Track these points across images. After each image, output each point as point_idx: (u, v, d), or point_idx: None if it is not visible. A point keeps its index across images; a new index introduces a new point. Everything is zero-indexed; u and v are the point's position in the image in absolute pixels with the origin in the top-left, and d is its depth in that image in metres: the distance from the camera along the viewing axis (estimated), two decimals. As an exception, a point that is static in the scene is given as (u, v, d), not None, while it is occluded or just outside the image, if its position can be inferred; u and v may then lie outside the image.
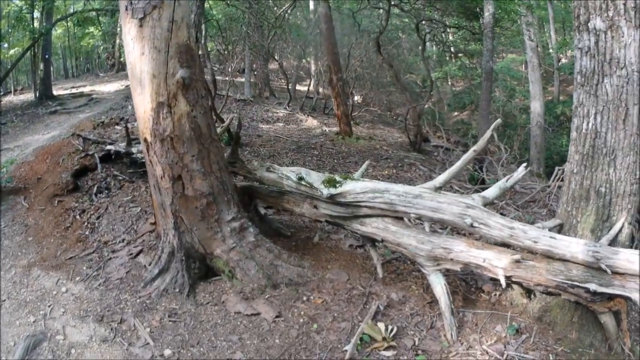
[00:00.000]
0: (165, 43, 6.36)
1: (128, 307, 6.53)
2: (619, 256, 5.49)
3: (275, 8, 24.62)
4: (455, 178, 12.59)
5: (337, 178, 6.90)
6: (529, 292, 6.66)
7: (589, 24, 5.98)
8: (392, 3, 19.35)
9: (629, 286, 5.45)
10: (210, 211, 6.85)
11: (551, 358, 5.99)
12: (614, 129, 5.89)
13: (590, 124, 6.07)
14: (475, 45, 28.50)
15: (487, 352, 5.96)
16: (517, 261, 5.81)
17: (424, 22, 21.89)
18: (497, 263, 5.88)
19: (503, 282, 5.83)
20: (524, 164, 6.84)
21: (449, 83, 39.24)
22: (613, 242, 5.99)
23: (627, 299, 5.62)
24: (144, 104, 6.57)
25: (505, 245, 6.15)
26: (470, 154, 6.59)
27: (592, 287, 5.51)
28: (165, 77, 6.42)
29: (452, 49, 32.13)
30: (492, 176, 13.17)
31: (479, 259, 6.02)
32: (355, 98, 28.33)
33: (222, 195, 6.98)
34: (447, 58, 35.60)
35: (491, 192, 6.56)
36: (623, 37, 5.74)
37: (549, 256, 5.82)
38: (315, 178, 7.05)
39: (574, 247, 5.64)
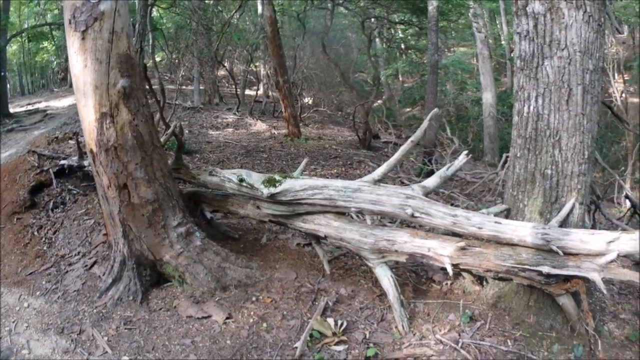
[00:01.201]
0: (106, 54, 6.32)
1: (86, 317, 6.50)
2: (570, 237, 5.48)
3: (223, 13, 24.51)
4: (405, 173, 12.58)
5: (277, 177, 6.89)
6: (480, 279, 6.69)
7: (527, 8, 5.99)
8: (337, 2, 19.30)
9: (585, 266, 5.45)
10: (156, 218, 6.79)
11: (509, 343, 5.95)
12: (557, 110, 5.89)
13: (531, 107, 6.07)
14: (425, 41, 28.60)
15: (442, 341, 5.92)
16: (463, 248, 5.79)
17: (369, 19, 21.85)
18: (442, 251, 5.86)
19: (450, 270, 5.82)
20: (465, 152, 6.78)
21: (400, 79, 39.31)
22: (564, 223, 5.98)
23: (585, 279, 5.64)
24: (88, 116, 6.53)
25: (458, 235, 6.10)
26: (407, 144, 6.58)
27: (545, 269, 5.49)
28: (107, 87, 6.39)
29: (402, 45, 32.21)
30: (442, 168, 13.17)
31: (423, 248, 6.00)
32: (306, 99, 28.44)
33: (167, 202, 6.93)
34: (397, 55, 35.79)
35: (431, 181, 6.53)
36: (564, 18, 5.74)
37: (496, 242, 5.81)
38: (256, 179, 7.00)
39: (521, 230, 5.64)
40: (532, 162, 6.12)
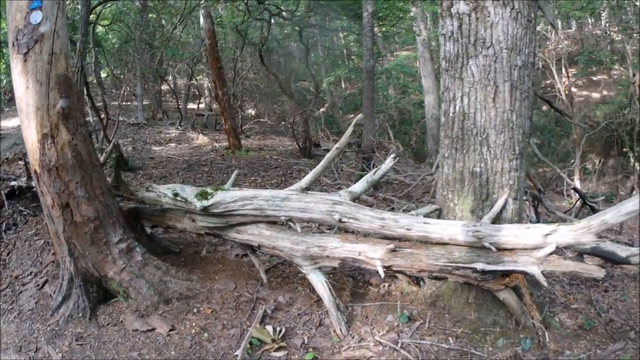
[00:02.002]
0: (46, 75, 6.32)
1: (41, 335, 6.52)
2: (503, 232, 5.57)
3: (166, 27, 24.46)
4: (344, 179, 12.63)
5: (209, 190, 6.93)
6: (417, 279, 6.77)
7: (452, 9, 6.05)
8: (273, 13, 19.39)
9: (522, 260, 5.52)
10: (98, 235, 6.78)
11: (451, 341, 6.01)
12: (483, 108, 5.96)
13: (457, 107, 6.15)
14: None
15: (381, 343, 5.98)
16: (393, 250, 5.85)
17: (306, 29, 21.86)
18: (372, 255, 5.92)
19: (381, 272, 5.87)
20: (393, 155, 6.96)
21: (343, 86, 39.28)
22: (498, 219, 6.07)
23: (524, 273, 5.68)
24: (31, 137, 6.53)
25: (399, 239, 6.14)
26: (333, 152, 6.69)
27: (480, 266, 5.57)
28: (47, 108, 6.38)
29: (345, 52, 32.22)
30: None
31: (354, 252, 6.06)
32: (249, 111, 28.42)
33: (107, 219, 6.92)
34: (340, 61, 35.92)
35: (358, 186, 6.65)
36: (489, 16, 5.81)
37: (427, 242, 5.89)
38: (189, 192, 7.04)
39: (452, 229, 5.73)
40: (460, 161, 6.19)
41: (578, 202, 10.86)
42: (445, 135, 6.36)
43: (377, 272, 6.07)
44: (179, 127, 23.32)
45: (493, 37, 5.77)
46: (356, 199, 6.45)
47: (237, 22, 21.16)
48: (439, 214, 6.52)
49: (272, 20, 21.46)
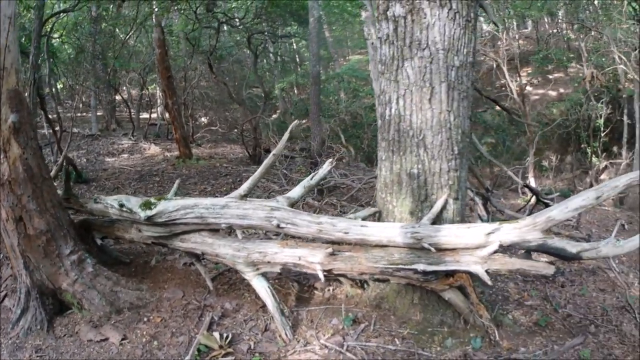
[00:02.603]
0: None
1: (3, 348, 6.52)
2: (442, 233, 5.62)
3: (121, 36, 24.37)
4: (292, 185, 12.69)
5: (152, 200, 6.95)
6: (362, 282, 6.85)
7: (388, 12, 6.08)
8: (222, 21, 19.37)
9: (465, 260, 5.57)
10: (51, 247, 6.78)
11: (397, 342, 6.07)
12: (419, 110, 6.00)
13: (393, 110, 6.19)
14: (322, 51, 28.69)
15: (326, 346, 6.04)
16: (332, 254, 5.89)
17: (255, 35, 21.77)
18: (312, 259, 5.95)
19: (321, 276, 5.92)
20: (330, 160, 6.90)
21: (296, 92, 39.07)
22: (439, 220, 6.13)
23: (468, 272, 5.73)
24: None
25: (337, 243, 6.20)
26: (270, 158, 6.80)
27: (420, 267, 5.60)
28: None
29: (297, 58, 32.11)
30: (332, 177, 13.50)
31: (294, 257, 6.09)
32: (202, 119, 28.39)
33: (59, 231, 6.92)
34: (292, 67, 35.95)
35: (296, 191, 6.73)
36: (425, 18, 5.84)
37: (365, 244, 5.92)
38: (134, 203, 7.05)
39: (390, 231, 5.76)
40: (397, 163, 6.23)
41: (533, 200, 10.81)
42: (382, 138, 6.41)
43: (334, 277, 6.26)
44: (132, 138, 23.23)
45: (429, 39, 5.81)
46: (294, 204, 6.52)
47: (188, 30, 21.22)
48: (379, 216, 6.60)
49: (225, 28, 21.44)
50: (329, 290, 7.14)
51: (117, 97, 27.39)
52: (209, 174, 16.06)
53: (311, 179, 6.77)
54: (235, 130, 24.88)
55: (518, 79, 26.06)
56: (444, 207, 6.10)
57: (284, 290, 7.02)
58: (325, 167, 6.74)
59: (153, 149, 21.16)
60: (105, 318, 6.68)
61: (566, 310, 7.42)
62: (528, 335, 6.50)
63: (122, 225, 7.62)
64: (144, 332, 6.44)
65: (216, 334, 6.21)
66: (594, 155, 23.80)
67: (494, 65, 23.65)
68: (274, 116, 30.40)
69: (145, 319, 6.70)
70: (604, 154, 23.79)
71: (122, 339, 6.34)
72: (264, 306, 6.67)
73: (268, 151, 19.32)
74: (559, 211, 5.49)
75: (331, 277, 6.22)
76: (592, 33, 21.38)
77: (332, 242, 6.11)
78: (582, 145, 24.39)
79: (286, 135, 6.68)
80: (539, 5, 22.36)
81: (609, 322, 7.33)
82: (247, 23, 21.51)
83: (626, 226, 13.27)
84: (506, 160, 24.41)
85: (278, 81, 32.73)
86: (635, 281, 9.06)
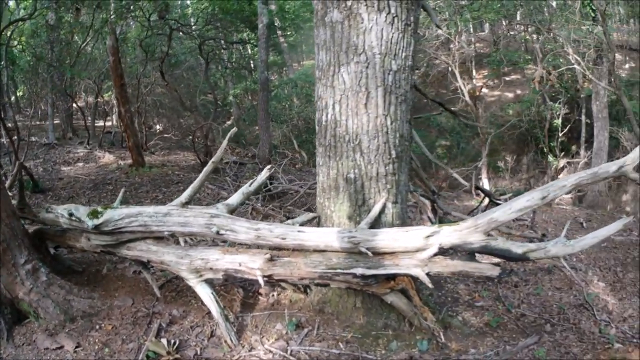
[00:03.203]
0: None
1: None
2: (380, 236, 5.66)
3: (79, 43, 24.09)
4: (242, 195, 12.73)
5: (99, 209, 6.96)
6: (305, 287, 6.86)
7: (325, 18, 6.12)
8: (173, 28, 19.36)
9: (404, 263, 5.60)
10: (6, 257, 6.81)
11: (341, 346, 6.10)
12: (355, 115, 6.03)
13: (329, 115, 6.23)
14: (273, 57, 29.10)
15: (271, 351, 6.08)
16: (271, 259, 5.93)
17: (206, 42, 21.68)
18: (252, 265, 5.99)
19: (262, 282, 5.97)
20: (269, 166, 6.92)
21: (250, 98, 38.69)
22: (377, 224, 6.16)
23: (408, 276, 5.77)
24: None
25: (277, 248, 6.25)
26: (209, 166, 6.84)
27: (359, 271, 5.64)
28: None
29: (252, 64, 31.94)
30: (280, 183, 13.63)
31: (235, 263, 6.13)
32: (157, 126, 28.18)
33: (14, 241, 6.94)
34: (247, 73, 35.12)
35: (235, 198, 6.77)
36: (362, 23, 5.86)
37: (303, 250, 5.97)
38: (83, 212, 7.08)
39: (327, 236, 5.81)
40: (333, 168, 6.28)
41: (486, 201, 10.77)
42: (319, 144, 6.47)
43: (268, 281, 6.19)
44: (87, 146, 22.79)
45: (366, 43, 5.85)
46: (233, 211, 6.57)
47: (141, 37, 21.25)
48: (318, 221, 6.66)
49: (180, 34, 21.36)
50: (273, 295, 7.20)
51: (74, 105, 27.21)
52: (161, 181, 16.14)
53: (250, 185, 6.82)
54: (189, 137, 24.81)
55: (474, 81, 26.58)
56: (382, 211, 6.15)
57: (229, 296, 7.09)
58: (264, 174, 6.82)
59: (107, 158, 21.01)
60: (60, 326, 6.68)
61: (520, 310, 7.44)
62: (478, 337, 6.55)
63: (72, 234, 7.61)
64: (97, 340, 6.46)
65: (164, 341, 6.26)
66: (551, 155, 24.00)
67: (450, 69, 23.53)
68: (228, 122, 30.43)
69: (97, 327, 6.72)
70: (563, 153, 24.02)
71: (76, 347, 6.36)
72: (209, 312, 6.70)
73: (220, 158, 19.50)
74: (502, 212, 5.51)
75: (272, 282, 6.26)
76: (549, 34, 21.20)
77: (272, 248, 6.19)
78: (540, 146, 24.63)
79: (224, 143, 6.76)
80: (495, 8, 22.23)
81: (566, 320, 7.34)
82: (198, 30, 21.73)
83: (584, 224, 13.22)
84: (461, 161, 24.78)
85: (232, 88, 32.64)
86: (594, 278, 9.00)
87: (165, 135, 27.82)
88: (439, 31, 20.91)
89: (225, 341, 6.25)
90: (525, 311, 7.46)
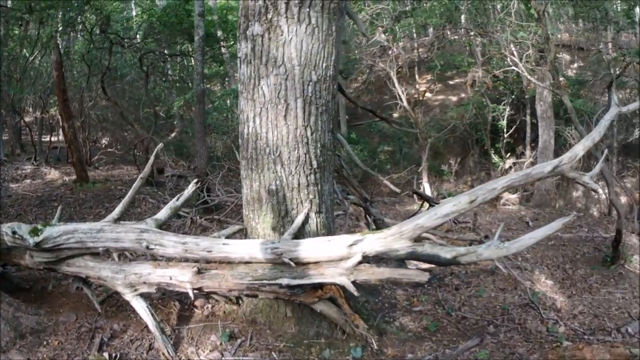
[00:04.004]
0: None
1: None
2: (302, 247, 5.67)
3: (26, 57, 23.69)
4: (183, 205, 12.72)
5: (39, 226, 6.96)
6: (237, 298, 6.89)
7: (247, 32, 6.13)
8: (114, 42, 19.35)
9: (329, 272, 5.61)
10: (-43, 275, 6.92)
11: (274, 355, 6.12)
12: (275, 127, 6.06)
13: (250, 128, 6.26)
14: (215, 69, 29.60)
15: None
16: (199, 272, 5.97)
17: (147, 55, 21.55)
18: (182, 278, 6.01)
19: (191, 294, 6.02)
20: (195, 180, 6.94)
21: (192, 110, 38.11)
22: (301, 234, 6.21)
23: (334, 284, 5.77)
24: None
25: (205, 261, 6.24)
26: (138, 182, 6.85)
27: (284, 281, 5.68)
28: None
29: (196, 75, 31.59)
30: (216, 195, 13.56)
31: (166, 277, 6.15)
32: (103, 141, 27.88)
33: (-37, 260, 7.03)
34: (191, 84, 34.34)
35: (163, 213, 6.79)
36: (282, 35, 5.89)
37: (229, 262, 5.99)
38: (25, 229, 7.10)
39: (251, 248, 5.82)
40: (256, 180, 6.32)
41: (426, 205, 10.74)
42: (242, 157, 6.52)
43: (205, 294, 6.36)
44: (34, 163, 22.09)
45: (285, 56, 5.88)
46: (162, 225, 6.59)
47: (84, 52, 21.18)
48: (245, 233, 6.71)
49: (124, 47, 21.24)
50: (207, 307, 7.21)
51: (22, 121, 26.83)
52: (104, 197, 15.97)
53: (177, 200, 6.83)
54: (135, 150, 24.62)
55: (417, 85, 26.79)
56: (305, 221, 6.21)
57: (166, 309, 7.11)
58: (190, 188, 6.82)
59: (53, 174, 20.55)
60: (11, 343, 6.62)
61: (461, 313, 7.48)
62: (416, 342, 6.60)
63: (17, 252, 7.57)
64: (45, 356, 6.42)
65: (106, 355, 6.27)
66: (497, 156, 24.09)
67: (392, 75, 23.40)
68: (172, 135, 30.39)
69: (45, 343, 6.66)
70: (509, 154, 24.13)
71: (26, 363, 6.62)
72: (148, 326, 6.72)
73: (162, 172, 19.47)
74: (428, 218, 5.54)
75: (203, 294, 6.37)
76: (485, 38, 21.09)
77: (200, 261, 6.16)
78: (485, 148, 24.72)
79: (152, 158, 6.80)
80: (437, 13, 22.05)
81: (510, 320, 7.38)
82: (138, 43, 21.71)
83: (531, 223, 13.20)
84: (404, 166, 24.53)
85: (175, 100, 31.79)
86: (541, 277, 8.95)
87: (109, 149, 27.58)
88: (378, 37, 20.81)
89: (163, 353, 6.28)
90: (467, 314, 7.50)
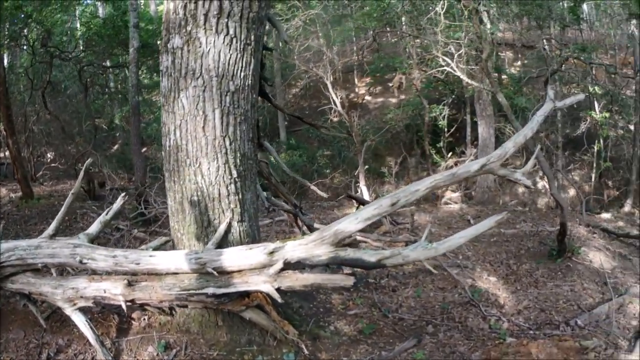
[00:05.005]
0: None
1: None
2: (224, 256, 5.72)
3: None
4: (122, 219, 12.62)
5: None
6: (171, 309, 6.78)
7: (168, 45, 6.17)
8: (54, 55, 19.29)
9: (253, 280, 5.65)
10: None
11: None
12: (194, 138, 6.10)
13: (171, 140, 6.29)
14: (157, 79, 28.27)
15: None
16: (130, 284, 6.00)
17: (86, 67, 21.80)
18: (115, 291, 6.05)
19: (124, 307, 6.06)
20: (123, 194, 7.01)
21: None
22: (225, 244, 6.23)
23: (259, 292, 5.80)
24: None
25: (135, 274, 6.26)
26: (69, 198, 6.91)
27: (210, 291, 5.73)
28: None
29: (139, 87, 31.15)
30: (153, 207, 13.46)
31: (100, 290, 6.17)
32: (48, 155, 27.45)
33: None
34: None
35: (94, 227, 6.84)
36: (200, 47, 5.93)
37: (157, 274, 6.01)
38: None
39: (176, 259, 5.88)
40: (179, 192, 6.36)
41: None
42: (165, 169, 6.54)
43: (140, 306, 6.39)
44: None
45: (203, 67, 5.92)
46: (93, 239, 6.63)
47: (27, 66, 21.07)
48: (172, 244, 6.73)
49: (62, 61, 21.02)
50: (144, 319, 7.18)
51: None
52: (48, 213, 15.49)
53: (106, 214, 6.90)
54: (79, 165, 24.25)
55: (357, 89, 27.54)
56: (228, 231, 6.25)
57: (106, 323, 7.06)
58: (119, 202, 6.91)
59: (1, 191, 19.92)
60: None
61: (398, 315, 7.48)
62: (351, 345, 6.63)
63: None
64: None
65: (52, 370, 6.43)
66: (438, 156, 23.97)
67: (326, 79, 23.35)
68: (115, 147, 29.72)
69: None
70: (451, 153, 23.96)
71: (-18, 381, 6.54)
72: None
73: (103, 185, 19.25)
74: (349, 222, 5.56)
75: (137, 306, 6.39)
76: (422, 39, 21.07)
77: (130, 274, 6.16)
78: (427, 148, 24.43)
79: (82, 174, 6.84)
80: (374, 15, 21.93)
81: (451, 319, 7.39)
82: (77, 56, 21.36)
83: (472, 221, 13.15)
84: (344, 170, 24.82)
85: (116, 112, 31.52)
86: (483, 274, 8.93)
87: (53, 164, 26.87)
88: (311, 42, 20.70)
89: (105, 365, 6.48)
90: (404, 315, 7.50)
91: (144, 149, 18.56)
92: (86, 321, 6.41)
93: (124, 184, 20.13)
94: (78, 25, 26.80)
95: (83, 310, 6.51)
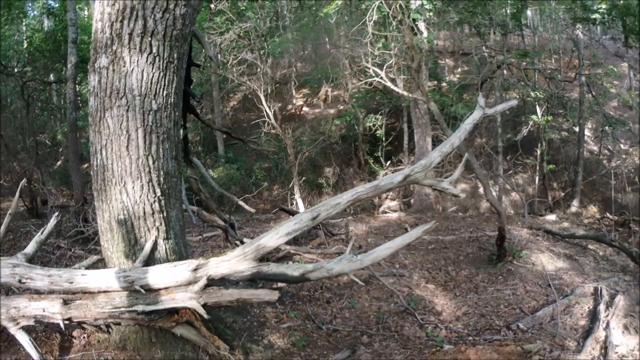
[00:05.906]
0: None
1: None
2: (150, 273, 5.77)
3: None
4: (62, 237, 12.63)
5: None
6: (107, 326, 6.80)
7: (95, 64, 6.16)
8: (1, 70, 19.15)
9: (180, 297, 5.69)
10: None
11: None
12: (119, 158, 6.09)
13: (98, 160, 6.26)
14: None
15: None
16: (66, 303, 5.98)
17: (29, 83, 21.44)
18: (53, 309, 6.02)
19: (62, 325, 6.05)
20: (56, 214, 7.08)
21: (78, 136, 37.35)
22: (152, 261, 6.24)
23: (187, 308, 5.86)
24: None
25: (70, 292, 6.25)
26: (7, 218, 6.89)
27: (139, 308, 5.74)
28: None
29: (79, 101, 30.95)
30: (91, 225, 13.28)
31: (39, 309, 6.12)
32: None
33: None
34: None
35: (30, 247, 6.78)
36: (124, 66, 5.95)
37: (90, 292, 6.02)
38: None
39: (106, 278, 5.90)
40: (106, 211, 6.34)
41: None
42: (94, 188, 6.51)
43: (79, 324, 6.33)
44: None
45: (127, 86, 5.94)
46: (31, 259, 6.58)
47: None
48: (105, 263, 6.70)
49: (6, 77, 20.84)
50: (84, 337, 7.11)
51: None
52: None
53: (41, 233, 6.88)
54: (24, 182, 23.94)
55: (294, 100, 27.88)
56: (154, 248, 6.25)
57: (49, 341, 6.95)
58: (52, 222, 6.93)
59: None
60: None
61: (332, 326, 7.52)
62: (284, 358, 6.68)
63: None
64: None
65: (-1, 390, 6.35)
66: (376, 165, 24.20)
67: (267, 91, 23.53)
68: (58, 163, 29.41)
69: None
70: (389, 162, 24.19)
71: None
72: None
73: (46, 202, 18.96)
74: (270, 237, 5.65)
75: (74, 324, 6.33)
76: (352, 51, 21.37)
77: (66, 292, 6.16)
78: (365, 157, 24.86)
79: (17, 195, 6.84)
80: (310, 27, 22.13)
81: (386, 329, 7.43)
82: (19, 71, 21.21)
83: (409, 229, 13.12)
84: (281, 182, 25.01)
85: (59, 127, 30.94)
86: (421, 281, 9.00)
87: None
88: (245, 55, 20.72)
89: (46, 384, 6.37)
90: (339, 326, 7.53)
91: (85, 165, 18.30)
92: (30, 340, 6.33)
93: (66, 201, 19.90)
94: (24, 38, 26.86)
95: (27, 329, 6.44)
